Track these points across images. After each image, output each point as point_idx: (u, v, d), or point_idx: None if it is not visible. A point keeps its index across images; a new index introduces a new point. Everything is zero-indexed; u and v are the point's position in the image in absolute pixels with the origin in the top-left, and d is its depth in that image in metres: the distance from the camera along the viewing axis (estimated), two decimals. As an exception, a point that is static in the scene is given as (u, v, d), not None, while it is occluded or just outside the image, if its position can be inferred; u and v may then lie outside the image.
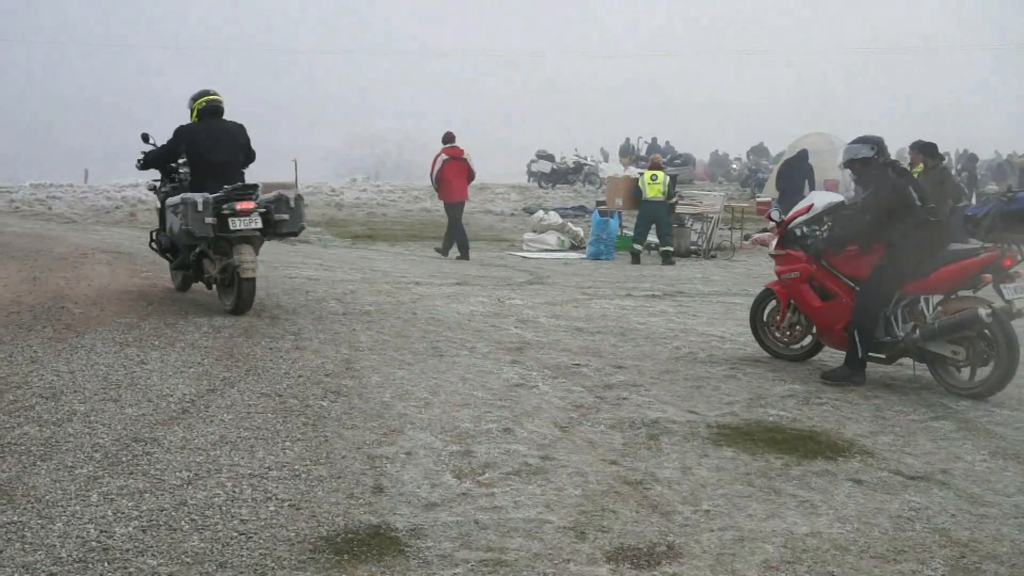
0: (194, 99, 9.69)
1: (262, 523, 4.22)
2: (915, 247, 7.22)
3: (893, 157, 7.98)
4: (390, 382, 6.70)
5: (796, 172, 19.30)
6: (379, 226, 23.25)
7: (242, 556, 3.90)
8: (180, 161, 9.64)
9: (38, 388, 6.19)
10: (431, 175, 17.23)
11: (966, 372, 7.14)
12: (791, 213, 8.35)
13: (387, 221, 25.32)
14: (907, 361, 7.40)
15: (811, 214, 8.04)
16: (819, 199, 8.35)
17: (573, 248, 19.37)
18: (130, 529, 4.09)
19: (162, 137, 9.68)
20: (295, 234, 9.60)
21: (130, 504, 4.36)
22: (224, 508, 4.36)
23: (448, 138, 17.24)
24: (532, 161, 39.99)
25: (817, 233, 7.96)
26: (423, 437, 5.50)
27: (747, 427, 5.94)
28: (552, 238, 19.57)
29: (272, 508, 4.39)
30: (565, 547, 4.09)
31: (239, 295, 8.84)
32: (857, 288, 7.48)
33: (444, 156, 17.01)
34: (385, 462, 5.07)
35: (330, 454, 5.16)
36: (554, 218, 20.93)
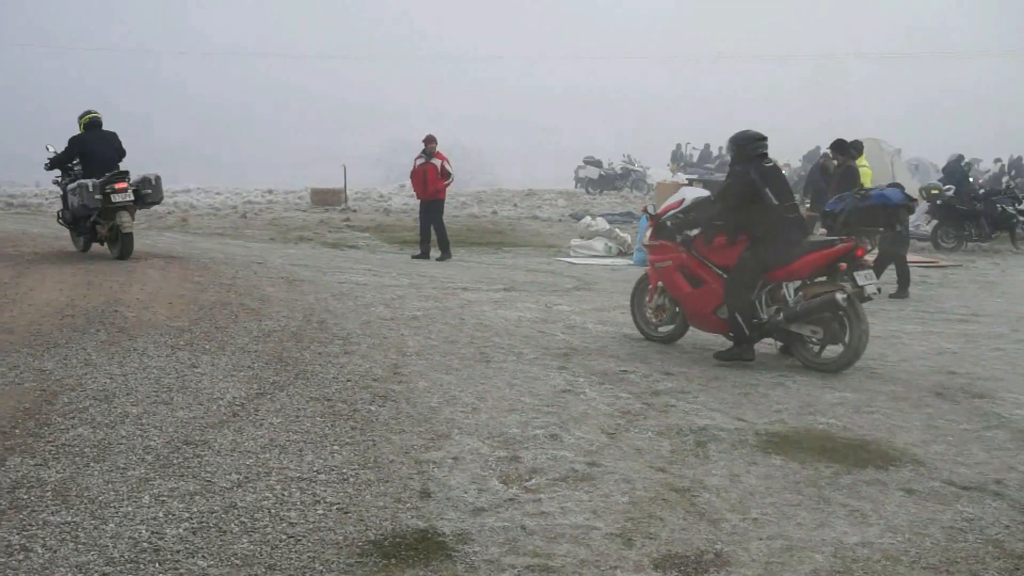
0: (80, 116, 13.37)
1: (310, 526, 4.26)
2: (776, 239, 8.11)
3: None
4: (437, 387, 6.72)
5: (816, 173, 19.26)
6: (427, 232, 23.32)
7: (291, 559, 3.93)
8: (75, 161, 13.18)
9: (92, 390, 6.28)
10: (451, 173, 17.62)
11: (821, 348, 8.13)
12: (664, 206, 9.22)
13: (435, 227, 25.37)
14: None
15: (681, 208, 8.87)
16: (689, 194, 9.15)
17: (620, 254, 19.31)
18: (181, 531, 4.14)
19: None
20: (157, 203, 13.66)
21: (181, 506, 4.41)
22: (273, 511, 4.40)
23: (435, 139, 17.56)
24: (579, 167, 39.97)
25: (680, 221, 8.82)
26: (470, 442, 5.51)
27: (796, 435, 5.89)
28: (599, 244, 19.51)
29: (320, 512, 4.43)
30: (612, 554, 4.08)
31: (122, 245, 12.53)
32: (725, 276, 8.33)
33: (441, 161, 17.41)
34: (432, 467, 5.09)
35: (378, 458, 5.19)
36: (601, 224, 20.86)
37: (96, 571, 3.76)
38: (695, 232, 8.72)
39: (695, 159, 41.26)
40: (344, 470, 4.99)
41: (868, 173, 15.29)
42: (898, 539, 4.35)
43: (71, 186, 12.95)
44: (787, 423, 6.15)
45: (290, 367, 7.14)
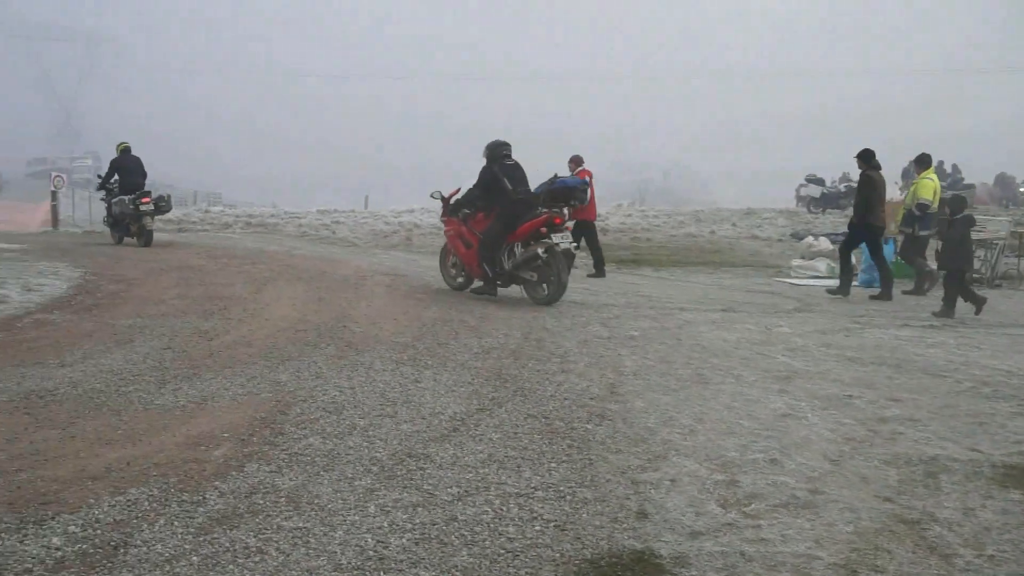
0: (118, 145, 20.59)
1: (528, 542, 4.30)
2: (509, 213, 12.20)
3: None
4: (654, 408, 6.68)
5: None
6: (644, 251, 23.24)
7: (509, 574, 3.98)
8: (113, 179, 20.30)
9: (322, 402, 6.57)
10: (589, 195, 17.23)
11: (545, 289, 12.04)
12: (449, 193, 13.36)
13: (652, 246, 25.25)
14: None
15: (459, 194, 13.24)
16: (465, 185, 13.35)
17: (844, 275, 18.68)
18: (404, 541, 4.26)
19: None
20: (168, 211, 20.95)
21: (404, 517, 4.54)
22: (492, 525, 4.47)
23: (581, 160, 17.58)
24: (801, 185, 38.98)
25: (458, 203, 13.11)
26: (688, 464, 5.45)
27: (1037, 469, 5.53)
28: (822, 265, 18.96)
29: (538, 528, 4.47)
30: (836, 585, 3.94)
31: (146, 239, 19.29)
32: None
33: (587, 177, 17.21)
34: (649, 488, 5.05)
35: (595, 477, 5.19)
36: (824, 244, 20.30)
37: (325, 576, 3.92)
38: (469, 211, 12.84)
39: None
40: (561, 488, 5.02)
41: (929, 185, 15.83)
42: None
43: (114, 200, 20.38)
44: (1027, 456, 5.79)
45: (508, 384, 7.26)
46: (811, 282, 17.68)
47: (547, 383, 7.32)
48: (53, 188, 36.52)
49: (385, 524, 4.44)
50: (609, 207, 39.81)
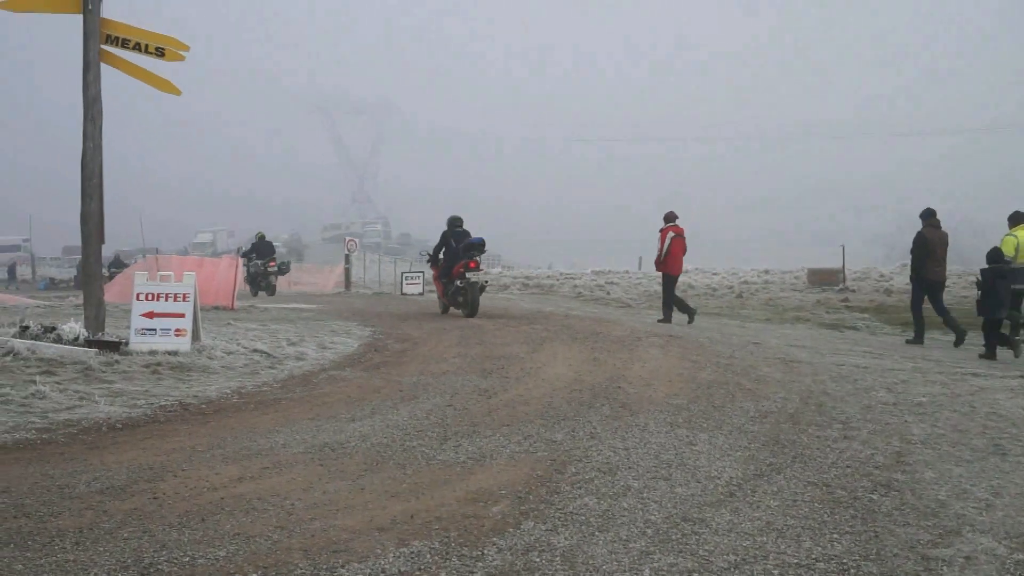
0: (256, 233, 34.44)
1: (809, 616, 4.13)
2: (450, 260, 20.10)
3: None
4: (946, 479, 6.29)
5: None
6: (931, 312, 22.06)
7: (789, 647, 3.83)
8: (252, 253, 33.47)
9: (597, 462, 6.59)
10: (661, 251, 19.21)
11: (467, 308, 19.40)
12: (432, 250, 21.12)
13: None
14: None
15: (434, 248, 20.98)
16: (438, 243, 21.54)
17: None
18: (679, 607, 4.19)
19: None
20: (286, 273, 35.81)
21: (679, 582, 4.46)
22: (770, 596, 4.33)
23: (671, 217, 19.35)
24: None
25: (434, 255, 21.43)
26: (984, 541, 5.08)
27: None
28: None
29: (819, 601, 4.28)
30: None
31: (271, 291, 32.73)
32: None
33: (672, 234, 19.12)
34: (941, 565, 4.74)
35: (880, 551, 4.93)
36: None
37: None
38: (441, 260, 20.72)
39: None
40: (845, 560, 4.79)
41: (1010, 241, 15.61)
42: None
43: (251, 264, 32.28)
44: None
45: (787, 449, 7.05)
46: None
47: (828, 450, 7.05)
48: (347, 251, 39.29)
49: (660, 588, 4.38)
50: (893, 267, 38.18)
